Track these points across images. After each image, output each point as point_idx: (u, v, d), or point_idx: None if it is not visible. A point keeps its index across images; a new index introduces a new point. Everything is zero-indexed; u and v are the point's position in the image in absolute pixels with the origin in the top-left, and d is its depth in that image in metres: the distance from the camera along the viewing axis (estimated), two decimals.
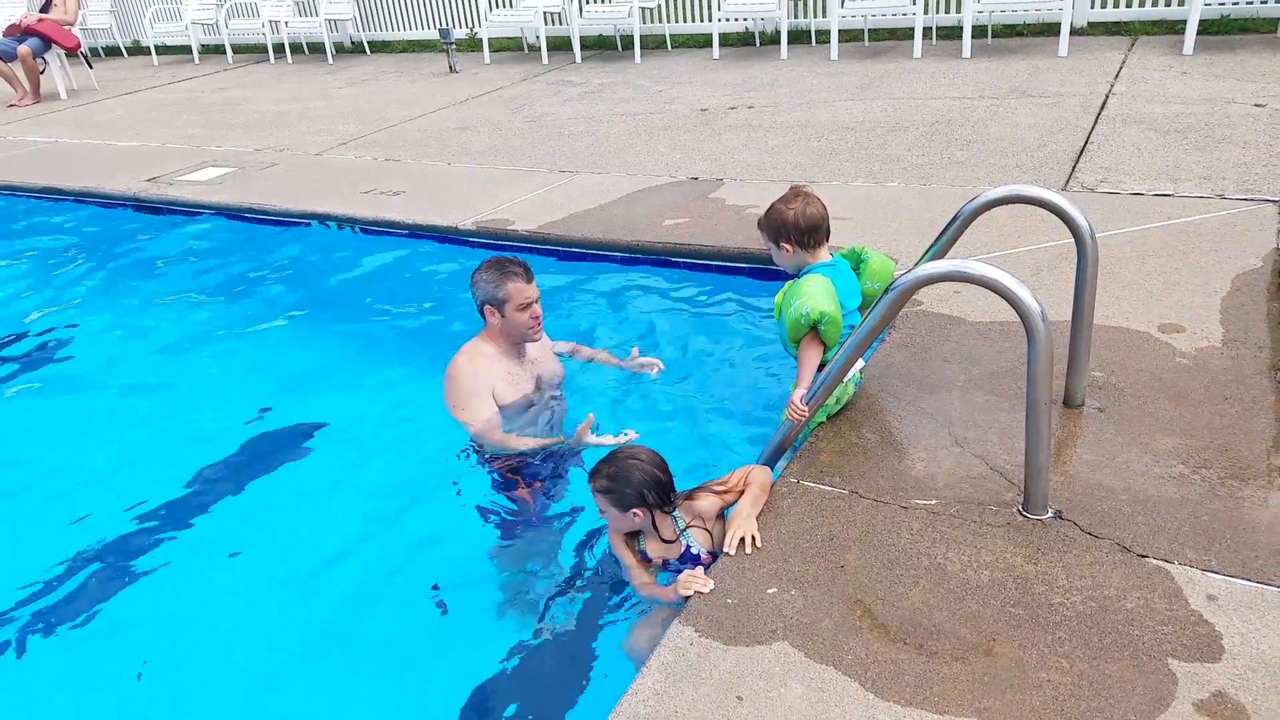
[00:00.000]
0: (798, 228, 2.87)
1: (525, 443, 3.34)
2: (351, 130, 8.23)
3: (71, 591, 3.12)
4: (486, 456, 3.41)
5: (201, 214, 6.45)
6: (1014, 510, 2.55)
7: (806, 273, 2.93)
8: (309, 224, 6.00)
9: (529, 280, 3.36)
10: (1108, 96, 6.84)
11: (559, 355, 3.82)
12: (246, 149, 7.84)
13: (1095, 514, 2.51)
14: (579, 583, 2.94)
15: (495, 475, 3.37)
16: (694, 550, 2.64)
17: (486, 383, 3.39)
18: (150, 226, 6.53)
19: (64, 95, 11.24)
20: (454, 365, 3.42)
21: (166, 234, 6.38)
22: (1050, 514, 2.52)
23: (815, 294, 2.80)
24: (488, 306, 3.38)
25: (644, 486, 2.59)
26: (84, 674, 2.81)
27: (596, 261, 5.04)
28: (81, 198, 7.05)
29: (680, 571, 2.54)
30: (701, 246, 4.80)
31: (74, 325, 5.17)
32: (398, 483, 3.47)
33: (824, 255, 2.96)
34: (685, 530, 2.66)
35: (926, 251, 3.13)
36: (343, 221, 5.89)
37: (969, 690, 2.01)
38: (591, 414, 3.21)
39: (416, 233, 5.58)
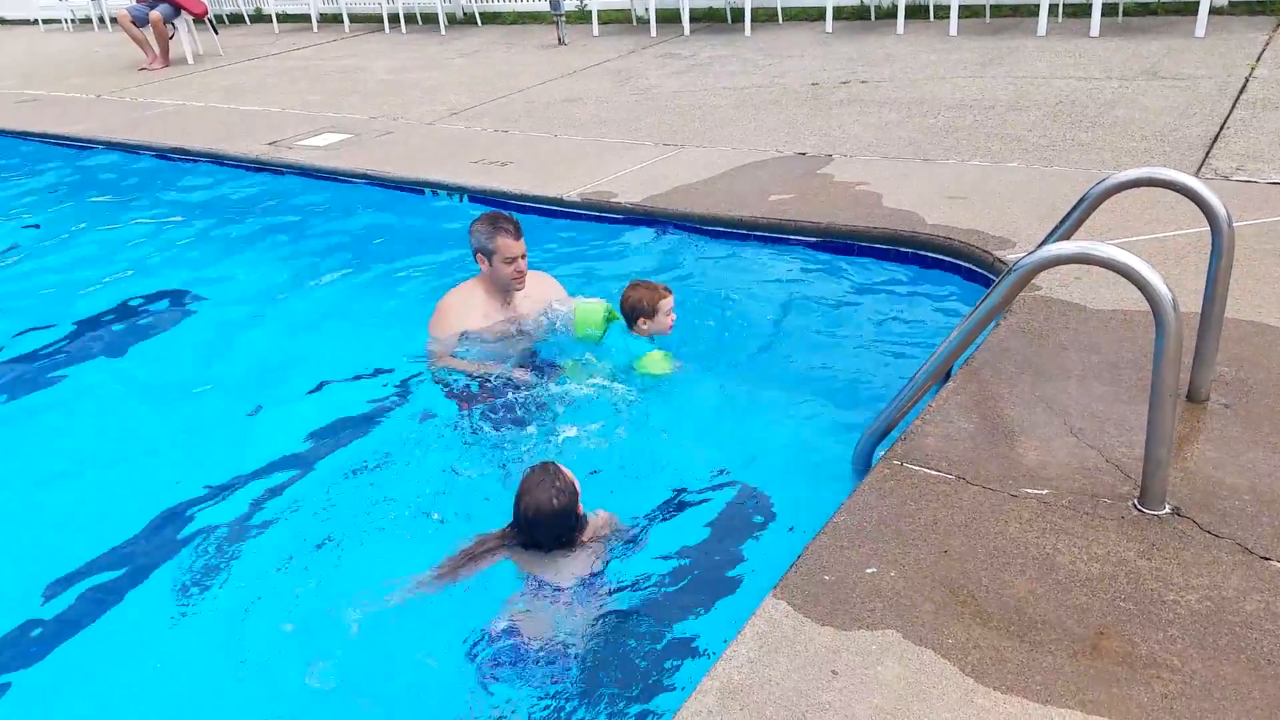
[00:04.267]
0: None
1: (466, 365, 3.77)
2: (462, 100, 8.37)
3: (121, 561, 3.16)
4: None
5: (319, 178, 6.67)
6: (1129, 504, 2.47)
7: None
8: (421, 191, 6.14)
9: (517, 238, 3.77)
10: (1248, 80, 6.45)
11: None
12: (362, 116, 8.06)
13: (1216, 512, 2.41)
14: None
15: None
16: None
17: (461, 315, 3.88)
18: (270, 189, 6.79)
19: (191, 60, 11.72)
20: (445, 296, 3.96)
21: (285, 196, 6.62)
22: (1168, 510, 2.43)
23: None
24: (479, 254, 3.82)
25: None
26: (82, 676, 2.77)
27: (699, 235, 5.03)
28: (207, 159, 7.37)
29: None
30: (808, 223, 4.74)
31: (193, 279, 5.40)
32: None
33: None
34: None
35: (1050, 234, 3.03)
36: (452, 190, 6.02)
37: (1073, 681, 1.96)
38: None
39: (523, 203, 5.66)
